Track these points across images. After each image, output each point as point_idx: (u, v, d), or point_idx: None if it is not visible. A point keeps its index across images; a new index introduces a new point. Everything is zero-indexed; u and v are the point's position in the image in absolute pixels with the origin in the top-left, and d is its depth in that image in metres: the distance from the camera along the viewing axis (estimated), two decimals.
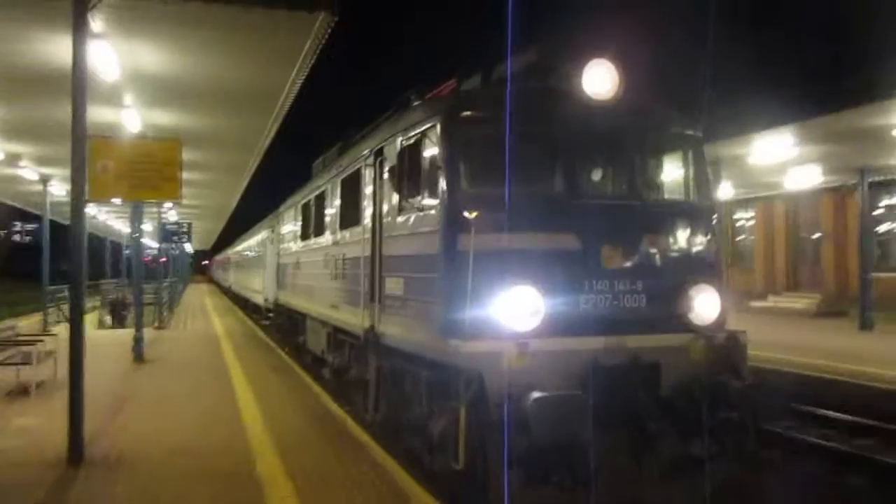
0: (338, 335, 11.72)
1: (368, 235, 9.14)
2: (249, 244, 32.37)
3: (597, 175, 7.33)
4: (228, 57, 11.92)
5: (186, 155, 12.79)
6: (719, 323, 7.15)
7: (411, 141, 7.63)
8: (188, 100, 14.35)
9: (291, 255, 16.71)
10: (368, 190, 9.28)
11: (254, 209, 37.20)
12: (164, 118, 15.72)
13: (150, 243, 40.81)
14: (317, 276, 13.08)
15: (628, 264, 6.91)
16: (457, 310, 6.53)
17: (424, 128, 7.33)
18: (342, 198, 11.17)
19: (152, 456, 7.67)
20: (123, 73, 12.17)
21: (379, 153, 8.76)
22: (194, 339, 20.83)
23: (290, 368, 14.68)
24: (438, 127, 7.05)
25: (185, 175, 12.59)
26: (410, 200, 7.49)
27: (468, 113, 7.06)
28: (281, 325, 19.92)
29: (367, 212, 9.25)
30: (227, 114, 15.75)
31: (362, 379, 10.11)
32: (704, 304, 7.05)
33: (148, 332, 16.73)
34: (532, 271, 6.54)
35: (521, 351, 6.34)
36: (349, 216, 10.53)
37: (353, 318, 9.86)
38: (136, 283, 17.46)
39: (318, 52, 11.62)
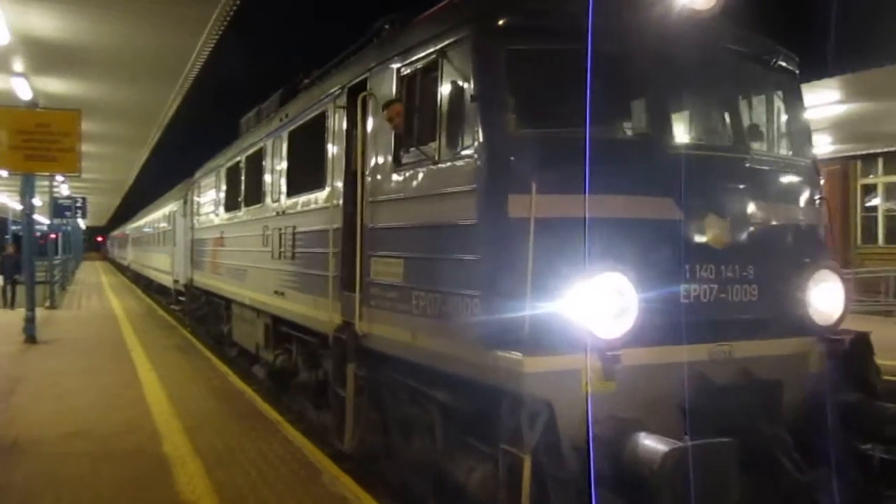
0: (281, 328, 9.35)
1: (339, 201, 6.83)
2: (154, 218, 28.93)
3: (695, 116, 5.28)
4: (129, 23, 10.92)
5: (83, 126, 12.41)
6: (840, 322, 5.30)
7: (419, 66, 5.38)
8: (84, 67, 13.52)
9: (212, 228, 14.05)
10: (339, 140, 6.95)
11: (156, 184, 34.50)
12: (58, 86, 14.75)
13: (41, 219, 36.78)
14: (250, 254, 10.60)
15: (738, 242, 4.94)
16: (508, 307, 4.40)
17: (442, 45, 5.09)
18: (291, 155, 8.75)
19: (51, 438, 7.20)
20: (14, 36, 10.98)
21: (358, 89, 6.44)
22: (90, 318, 19.50)
23: (195, 348, 13.97)
24: (469, 39, 4.84)
25: (82, 147, 12.44)
26: (420, 149, 5.26)
27: (513, 19, 4.84)
28: (196, 310, 17.14)
29: (338, 170, 6.93)
30: (126, 83, 15.00)
31: (324, 389, 7.83)
32: (827, 297, 5.17)
33: (39, 313, 15.32)
34: (620, 251, 4.47)
35: (609, 368, 4.29)
36: (304, 178, 8.15)
37: (313, 311, 7.54)
38: (28, 260, 15.67)
39: (227, 20, 11.07)
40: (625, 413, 4.33)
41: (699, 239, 4.78)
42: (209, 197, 14.75)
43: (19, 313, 15.46)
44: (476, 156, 4.64)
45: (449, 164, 4.97)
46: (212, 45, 12.39)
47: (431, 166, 5.16)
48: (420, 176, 5.31)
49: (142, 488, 5.82)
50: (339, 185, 6.86)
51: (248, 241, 10.69)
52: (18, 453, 6.73)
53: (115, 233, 69.48)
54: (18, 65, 12.79)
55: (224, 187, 13.04)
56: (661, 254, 4.66)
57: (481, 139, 4.62)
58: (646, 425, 4.27)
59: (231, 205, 12.25)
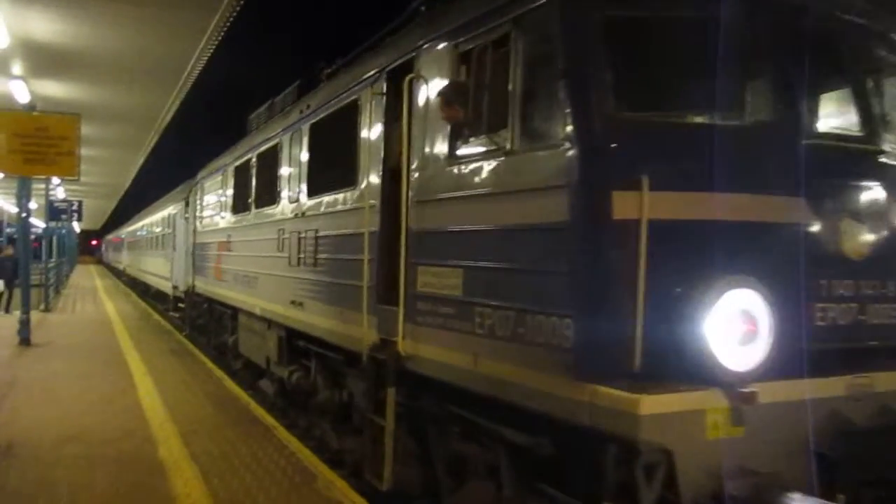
0: (296, 342, 8.48)
1: (375, 201, 5.98)
2: (152, 221, 28.00)
3: (824, 100, 4.43)
4: (128, 28, 10.95)
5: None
6: None
7: (486, 39, 4.53)
8: (82, 71, 13.36)
9: (217, 232, 13.17)
10: (375, 132, 6.09)
11: (153, 187, 34.00)
12: (56, 90, 14.78)
13: (36, 222, 35.93)
14: (262, 260, 9.73)
15: (877, 252, 4.10)
16: (610, 330, 3.55)
17: (518, 12, 4.25)
18: (314, 150, 7.88)
19: (46, 443, 7.11)
20: (13, 40, 10.98)
21: (401, 72, 5.59)
22: (85, 322, 19.27)
23: (190, 352, 13.87)
24: (555, 4, 3.99)
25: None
26: (489, 138, 4.41)
27: None
28: (197, 319, 16.25)
29: (373, 165, 6.08)
30: (124, 88, 15.01)
31: (347, 412, 6.98)
32: None
33: (33, 316, 15.05)
34: (746, 262, 3.63)
35: (738, 408, 3.45)
36: (330, 175, 7.29)
37: (340, 326, 6.68)
38: (24, 263, 15.33)
39: (226, 27, 11.14)
40: (757, 464, 3.48)
41: (835, 248, 3.94)
42: (214, 198, 13.89)
43: (15, 316, 15.21)
44: (567, 144, 3.79)
45: (527, 154, 4.12)
46: (211, 51, 12.35)
47: (502, 158, 4.31)
48: (486, 170, 4.46)
49: (137, 493, 5.79)
50: (375, 182, 6.01)
51: (260, 246, 9.83)
52: (13, 457, 6.62)
53: (111, 236, 68.50)
54: (17, 68, 12.84)
55: (232, 188, 12.16)
56: (792, 266, 3.81)
57: (575, 124, 3.77)
58: (784, 480, 3.43)
59: (240, 206, 11.38)
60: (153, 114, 17.82)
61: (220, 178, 13.29)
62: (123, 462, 6.53)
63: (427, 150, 5.14)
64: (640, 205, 3.53)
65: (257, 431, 7.71)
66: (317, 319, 7.41)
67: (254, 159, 10.58)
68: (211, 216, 14.05)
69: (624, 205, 3.58)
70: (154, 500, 5.61)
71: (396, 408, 5.58)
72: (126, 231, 45.28)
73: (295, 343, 8.57)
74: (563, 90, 3.85)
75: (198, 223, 15.57)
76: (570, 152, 3.77)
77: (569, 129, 3.79)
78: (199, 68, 13.56)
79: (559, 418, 3.76)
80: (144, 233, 31.09)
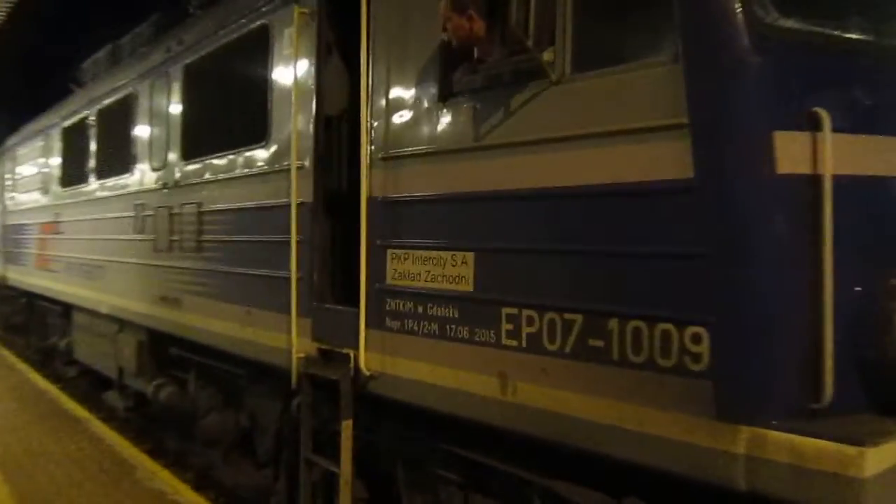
0: (168, 349, 6.63)
1: (306, 161, 4.37)
2: None
3: None
4: None
5: None
6: None
7: None
8: None
9: (39, 210, 10.67)
10: (301, 68, 4.43)
11: None
12: None
13: None
14: (110, 244, 7.68)
15: None
16: (780, 347, 2.33)
17: None
18: (190, 98, 6.02)
19: None
20: None
21: None
22: None
23: None
24: None
25: None
26: (526, 60, 2.98)
27: None
28: (11, 317, 13.40)
29: (299, 113, 4.43)
30: None
31: (247, 440, 5.33)
32: None
33: None
34: None
35: None
36: (221, 130, 5.55)
37: (245, 330, 4.99)
38: None
39: None
40: None
41: None
42: (33, 169, 11.30)
43: None
44: (689, 63, 2.48)
45: (604, 79, 2.77)
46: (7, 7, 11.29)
47: (546, 90, 2.93)
48: (519, 106, 3.06)
49: None
50: (305, 135, 4.40)
51: (107, 227, 7.76)
52: None
53: None
54: None
55: (60, 154, 9.79)
56: None
57: (703, 32, 2.47)
58: None
59: (74, 178, 9.09)
60: None
61: (40, 143, 10.77)
62: None
63: (401, 86, 3.65)
64: (820, 153, 2.32)
65: (68, 425, 7.40)
66: (202, 321, 5.65)
67: (93, 117, 8.40)
68: (28, 191, 11.45)
69: (793, 152, 2.34)
70: None
71: (383, 459, 4.08)
72: None
73: (164, 350, 6.71)
74: None
75: (8, 201, 12.79)
76: (695, 74, 2.47)
77: (687, 41, 2.49)
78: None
79: (684, 476, 2.49)
80: None
